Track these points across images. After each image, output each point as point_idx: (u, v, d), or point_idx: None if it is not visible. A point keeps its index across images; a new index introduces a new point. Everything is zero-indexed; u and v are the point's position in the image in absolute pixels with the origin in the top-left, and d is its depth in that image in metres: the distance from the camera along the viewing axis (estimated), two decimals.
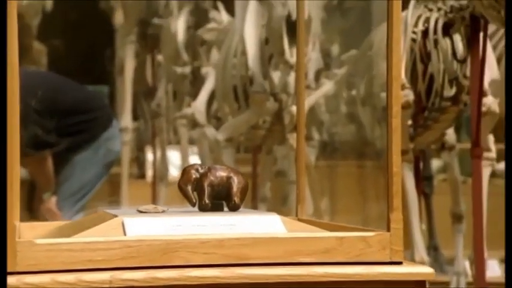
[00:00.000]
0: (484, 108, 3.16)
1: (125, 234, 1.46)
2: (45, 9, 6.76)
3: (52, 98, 3.93)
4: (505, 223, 1.91)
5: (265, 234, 1.46)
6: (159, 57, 6.46)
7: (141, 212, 1.61)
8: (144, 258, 1.40)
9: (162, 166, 6.62)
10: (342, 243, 1.45)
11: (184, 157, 6.13)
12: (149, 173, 7.59)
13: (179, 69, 5.82)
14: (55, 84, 4.07)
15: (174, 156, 7.00)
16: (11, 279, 1.34)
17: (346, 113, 4.64)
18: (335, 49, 5.43)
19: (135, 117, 7.29)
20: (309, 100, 4.05)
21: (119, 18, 7.10)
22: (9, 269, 1.36)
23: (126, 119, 6.52)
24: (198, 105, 4.99)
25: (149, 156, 7.60)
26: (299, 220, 1.72)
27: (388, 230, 1.47)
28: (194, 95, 5.48)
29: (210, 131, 4.90)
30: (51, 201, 4.00)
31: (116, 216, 1.53)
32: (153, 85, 6.82)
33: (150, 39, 6.52)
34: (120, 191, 6.69)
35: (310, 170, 4.16)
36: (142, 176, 8.02)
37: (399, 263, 1.47)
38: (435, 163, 5.52)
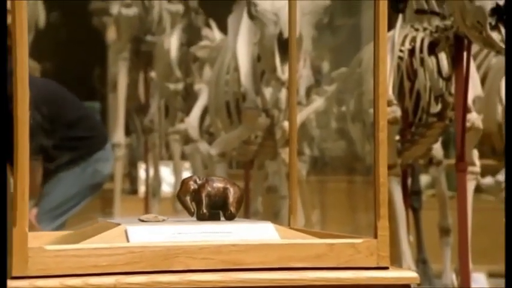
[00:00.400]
0: (468, 124, 3.26)
1: (128, 241, 1.55)
2: (38, 26, 6.82)
3: (59, 109, 3.93)
4: (505, 227, 1.99)
5: (260, 241, 1.55)
6: (152, 74, 6.53)
7: (142, 221, 1.71)
8: (146, 264, 1.49)
9: (154, 181, 6.68)
10: (332, 250, 1.55)
11: (177, 172, 6.20)
12: (142, 188, 7.64)
13: (172, 86, 5.90)
14: (62, 96, 4.07)
15: (166, 172, 7.06)
16: (23, 283, 1.43)
17: (336, 129, 4.72)
18: (325, 66, 5.52)
19: (128, 133, 7.34)
20: (300, 116, 4.12)
21: (111, 35, 7.17)
22: (20, 274, 1.45)
23: (118, 135, 6.56)
24: (191, 121, 5.06)
25: (141, 171, 7.65)
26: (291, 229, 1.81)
27: (375, 237, 1.56)
28: (187, 111, 5.56)
29: (203, 146, 4.97)
30: (31, 213, 3.92)
31: (118, 224, 1.62)
32: (145, 101, 6.88)
33: (143, 56, 6.59)
34: (112, 206, 6.73)
35: (302, 185, 4.24)
36: (134, 191, 8.06)
37: (386, 268, 1.56)
38: (424, 179, 5.60)
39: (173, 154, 6.23)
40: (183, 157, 6.11)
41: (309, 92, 4.38)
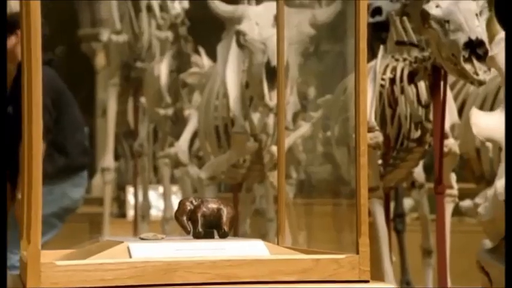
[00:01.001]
0: (445, 149, 3.43)
1: (130, 257, 1.69)
2: None
3: (69, 117, 3.93)
4: (506, 227, 2.13)
5: (251, 257, 1.69)
6: (142, 100, 6.62)
7: (142, 239, 1.85)
8: (148, 277, 1.63)
9: (143, 205, 6.75)
10: (318, 264, 1.69)
11: (167, 196, 6.29)
12: (130, 212, 7.71)
13: (162, 111, 5.99)
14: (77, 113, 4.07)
15: (154, 196, 7.15)
16: None
17: (322, 153, 4.83)
18: (311, 93, 5.64)
19: (117, 157, 7.40)
20: (287, 140, 4.24)
21: (101, 61, 7.27)
22: (33, 287, 1.58)
23: (108, 159, 6.62)
24: (181, 145, 5.17)
25: (130, 196, 7.72)
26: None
27: (357, 252, 1.71)
28: (176, 136, 5.66)
29: (192, 169, 5.09)
30: None
31: (121, 242, 1.76)
32: (135, 126, 6.98)
33: (132, 82, 6.67)
34: (101, 229, 6.79)
35: (289, 207, 4.35)
36: (123, 215, 8.13)
37: (366, 281, 1.70)
38: (408, 202, 5.72)
39: (163, 178, 6.32)
40: (173, 181, 6.20)
41: (295, 117, 4.50)
